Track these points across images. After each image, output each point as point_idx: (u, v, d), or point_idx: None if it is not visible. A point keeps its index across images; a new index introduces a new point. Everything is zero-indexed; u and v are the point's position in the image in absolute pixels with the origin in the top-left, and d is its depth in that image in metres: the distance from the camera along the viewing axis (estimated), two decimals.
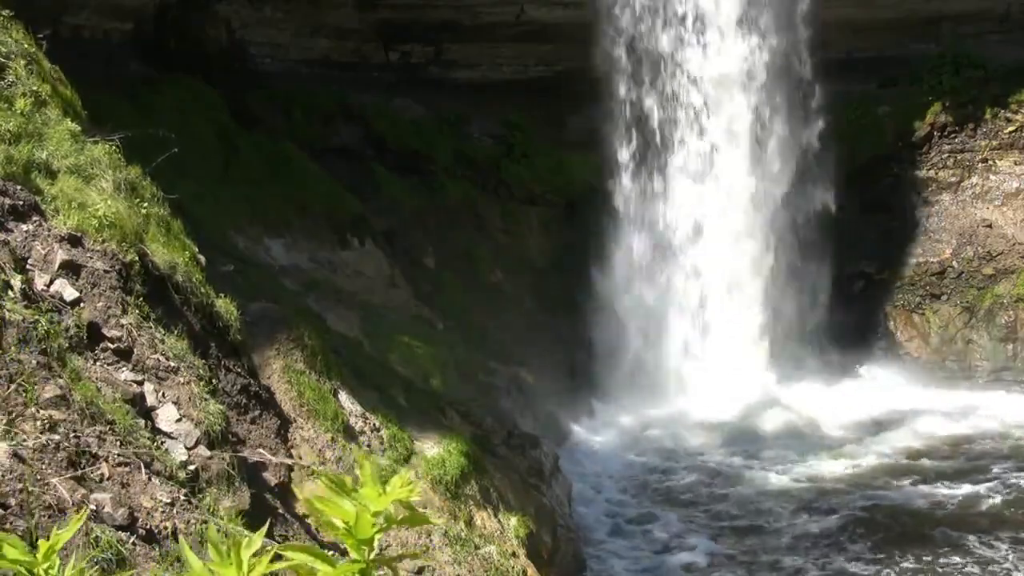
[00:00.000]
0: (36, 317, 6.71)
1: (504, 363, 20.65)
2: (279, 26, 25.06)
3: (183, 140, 12.02)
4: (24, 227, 7.62)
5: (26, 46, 10.11)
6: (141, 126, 11.49)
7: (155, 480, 6.52)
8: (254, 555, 2.10)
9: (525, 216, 25.83)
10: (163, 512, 6.37)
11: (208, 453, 7.47)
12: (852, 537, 16.98)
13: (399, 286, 22.02)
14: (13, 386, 6.02)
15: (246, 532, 7.09)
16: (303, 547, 2.11)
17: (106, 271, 7.80)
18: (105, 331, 7.51)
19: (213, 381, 8.46)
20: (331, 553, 2.18)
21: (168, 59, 23.09)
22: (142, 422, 7.12)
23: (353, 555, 2.09)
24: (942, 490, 18.69)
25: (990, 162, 25.66)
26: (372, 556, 2.09)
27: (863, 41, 25.57)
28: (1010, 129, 25.57)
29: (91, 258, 7.83)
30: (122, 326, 7.67)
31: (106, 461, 6.25)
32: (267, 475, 9.14)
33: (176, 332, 8.28)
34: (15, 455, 5.59)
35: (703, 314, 24.48)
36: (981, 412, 22.53)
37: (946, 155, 25.82)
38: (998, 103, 25.63)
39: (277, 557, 2.14)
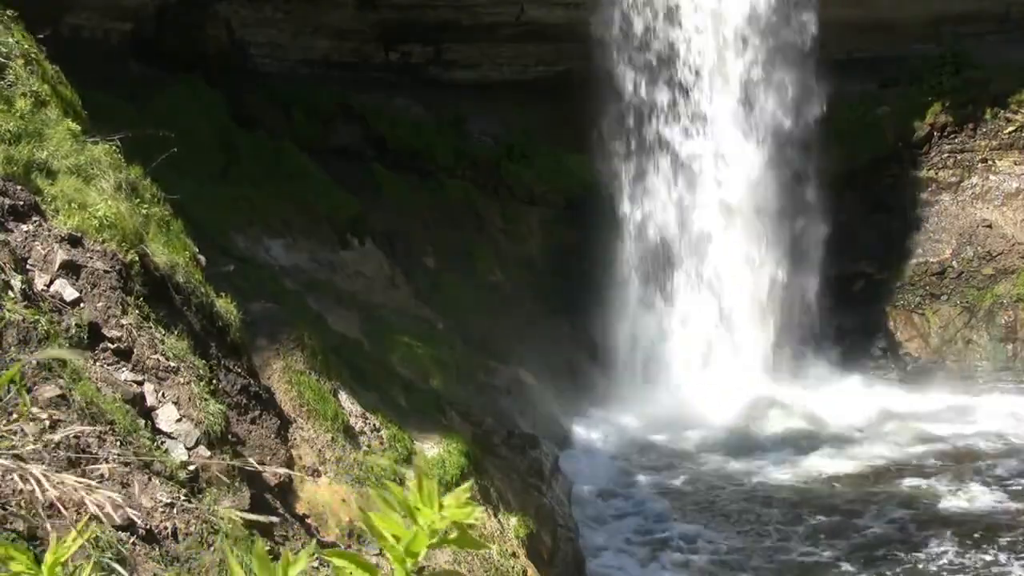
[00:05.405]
0: (36, 317, 6.70)
1: (504, 363, 20.63)
2: (279, 26, 25.06)
3: (183, 140, 12.00)
4: (24, 227, 7.61)
5: (26, 46, 10.10)
6: (141, 126, 11.48)
7: (155, 480, 6.53)
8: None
9: (525, 216, 25.80)
10: (163, 512, 6.37)
11: (208, 453, 7.47)
12: (851, 537, 16.99)
13: (399, 286, 22.01)
14: (13, 386, 6.01)
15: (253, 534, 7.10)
16: (345, 554, 2.13)
17: (106, 271, 7.80)
18: (105, 331, 7.51)
19: (213, 381, 8.46)
20: None
21: (168, 59, 23.10)
22: (142, 422, 7.12)
23: (396, 568, 2.12)
24: (942, 490, 18.69)
25: (990, 162, 25.64)
26: (415, 569, 2.13)
27: (863, 41, 25.54)
28: (1010, 129, 25.55)
29: (91, 258, 7.82)
30: (122, 326, 7.67)
31: (106, 461, 6.25)
32: (267, 475, 9.14)
33: (176, 332, 8.28)
34: (15, 455, 5.59)
35: (703, 314, 24.46)
36: (981, 412, 22.51)
37: (946, 155, 25.80)
38: (998, 103, 25.61)
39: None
